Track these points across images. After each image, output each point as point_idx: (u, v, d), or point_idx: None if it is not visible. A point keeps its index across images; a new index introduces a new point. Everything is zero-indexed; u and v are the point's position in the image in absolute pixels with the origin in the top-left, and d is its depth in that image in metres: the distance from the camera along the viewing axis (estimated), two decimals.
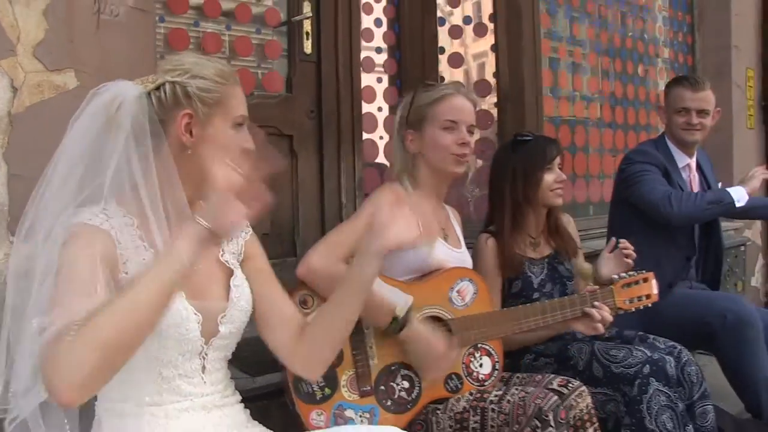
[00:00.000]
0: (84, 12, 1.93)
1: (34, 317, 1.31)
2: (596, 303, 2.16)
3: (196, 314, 1.46)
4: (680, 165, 3.06)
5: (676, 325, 2.80)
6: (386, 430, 1.46)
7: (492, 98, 3.52)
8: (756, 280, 4.90)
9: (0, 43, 1.82)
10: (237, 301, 1.55)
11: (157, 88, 1.44)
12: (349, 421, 1.81)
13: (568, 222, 2.70)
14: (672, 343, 2.42)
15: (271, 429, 1.60)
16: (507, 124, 3.43)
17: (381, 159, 3.35)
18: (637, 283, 2.29)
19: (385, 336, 1.87)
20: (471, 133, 2.15)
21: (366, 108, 3.27)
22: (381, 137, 3.36)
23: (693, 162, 3.10)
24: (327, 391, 1.83)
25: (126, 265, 1.40)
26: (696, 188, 3.07)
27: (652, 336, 2.49)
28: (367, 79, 3.31)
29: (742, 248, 4.30)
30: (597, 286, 2.25)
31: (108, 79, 1.51)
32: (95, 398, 1.46)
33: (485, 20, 3.53)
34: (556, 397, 1.85)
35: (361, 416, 1.83)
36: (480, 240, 2.49)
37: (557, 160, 2.53)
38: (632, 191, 2.93)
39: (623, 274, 2.31)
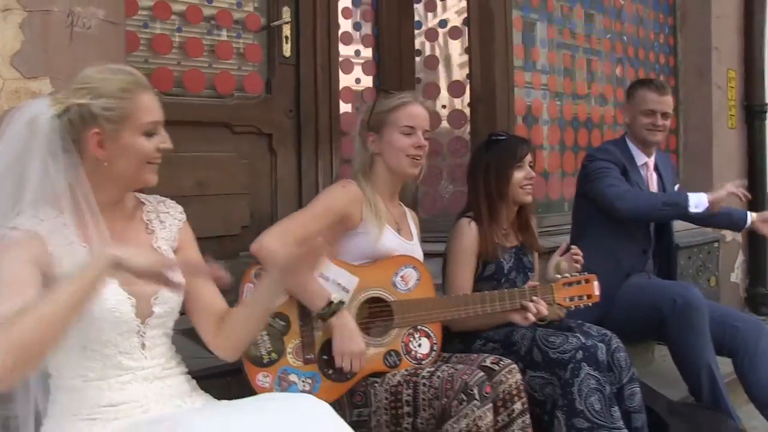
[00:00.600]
0: (58, 25, 2.13)
1: None
2: (534, 297, 2.36)
3: (129, 298, 1.66)
4: (639, 163, 3.23)
5: (631, 312, 3.01)
6: (304, 399, 1.65)
7: (465, 99, 3.69)
8: (736, 276, 5.02)
9: None
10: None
11: (67, 110, 1.61)
12: (291, 384, 2.03)
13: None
14: (605, 331, 2.60)
15: None
16: (479, 123, 3.60)
17: None
18: (579, 283, 2.48)
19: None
20: (425, 138, 2.37)
21: (344, 108, 3.47)
22: None
23: (651, 161, 3.26)
24: (273, 356, 2.06)
25: (61, 261, 1.59)
26: (653, 187, 3.24)
27: (588, 324, 2.67)
28: (345, 80, 3.51)
29: (716, 244, 4.44)
30: (538, 283, 2.44)
31: None
32: (48, 373, 1.67)
33: (459, 24, 3.70)
34: (482, 374, 2.05)
35: (303, 381, 2.06)
36: (462, 222, 2.72)
37: (528, 158, 2.74)
38: (592, 186, 3.11)
39: (566, 274, 2.50)
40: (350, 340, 2.08)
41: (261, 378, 2.02)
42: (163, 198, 1.92)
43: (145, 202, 1.85)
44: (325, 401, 1.93)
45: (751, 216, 3.25)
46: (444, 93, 3.78)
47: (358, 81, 3.59)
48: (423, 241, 2.65)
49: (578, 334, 2.50)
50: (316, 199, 2.29)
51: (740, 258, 5.06)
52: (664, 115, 3.17)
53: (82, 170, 1.63)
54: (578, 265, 2.63)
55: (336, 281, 2.13)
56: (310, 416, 1.56)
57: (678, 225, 4.41)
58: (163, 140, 1.73)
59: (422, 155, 2.35)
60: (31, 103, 1.68)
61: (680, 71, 5.05)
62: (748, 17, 5.00)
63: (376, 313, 2.22)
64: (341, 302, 2.09)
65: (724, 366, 3.04)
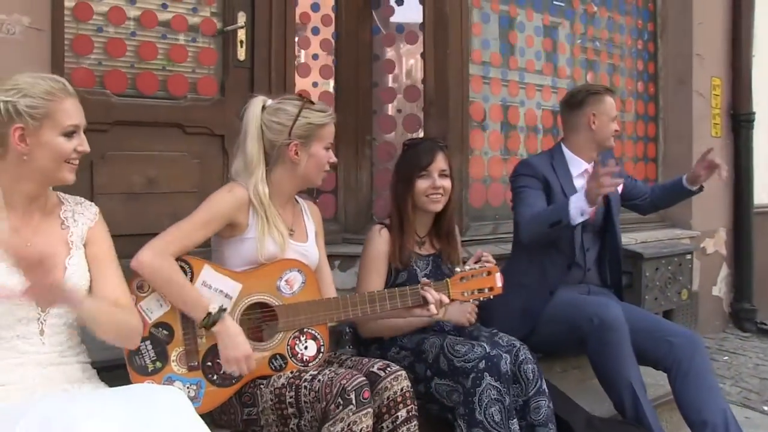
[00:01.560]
0: None
1: None
2: (426, 287, 2.40)
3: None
4: (576, 173, 3.22)
5: (555, 327, 3.04)
6: (166, 391, 1.80)
7: (420, 103, 3.78)
8: (719, 290, 5.02)
9: None
10: (70, 277, 1.94)
11: None
12: None
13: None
14: (513, 341, 2.64)
15: None
16: (432, 128, 3.67)
17: None
18: (479, 275, 2.47)
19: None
20: None
21: None
22: None
23: (590, 167, 3.27)
24: (158, 364, 2.17)
25: None
26: None
27: (500, 333, 2.72)
28: (302, 83, 3.62)
29: (689, 256, 4.43)
30: (429, 280, 2.47)
31: None
32: None
33: (416, 29, 3.79)
34: (361, 378, 2.12)
35: (188, 387, 2.17)
36: (373, 229, 2.81)
37: (437, 165, 2.77)
38: (513, 207, 3.18)
39: (465, 267, 2.51)
40: (234, 347, 2.18)
41: None
42: (82, 199, 2.12)
43: (64, 202, 2.05)
44: (211, 405, 2.16)
45: (685, 178, 3.31)
46: (399, 97, 3.87)
47: (315, 84, 3.70)
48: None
49: (484, 344, 2.55)
50: (203, 204, 2.32)
51: (724, 271, 5.06)
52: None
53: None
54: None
55: (219, 289, 2.23)
56: (163, 401, 1.73)
57: (645, 236, 4.49)
58: (81, 143, 1.93)
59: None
60: None
61: (660, 78, 5.03)
62: (735, 23, 4.97)
63: (261, 318, 2.31)
64: (222, 309, 2.18)
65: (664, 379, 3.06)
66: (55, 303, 1.84)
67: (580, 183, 3.21)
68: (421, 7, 3.72)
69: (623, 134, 4.87)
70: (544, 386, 2.59)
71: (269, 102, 2.44)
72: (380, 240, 2.76)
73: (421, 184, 2.77)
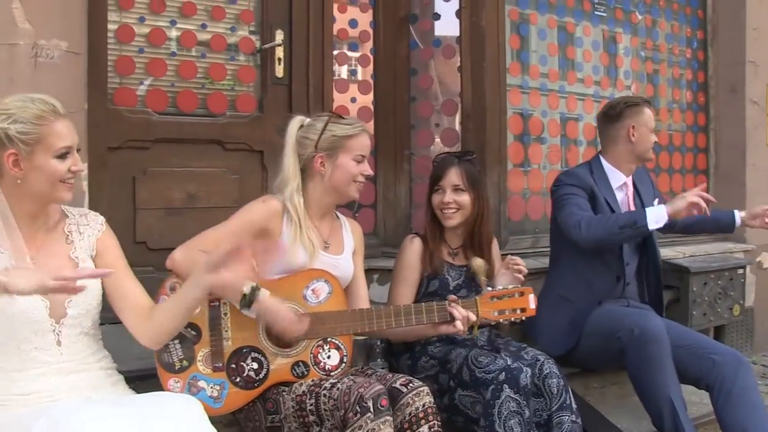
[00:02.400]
0: (23, 56, 2.46)
1: None
2: (458, 309, 2.43)
3: (43, 300, 1.94)
4: (616, 185, 3.22)
5: (596, 339, 3.03)
6: (179, 399, 1.87)
7: (458, 117, 3.81)
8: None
9: None
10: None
11: None
12: (200, 390, 2.23)
13: (493, 242, 3.01)
14: (538, 355, 2.64)
15: None
16: (469, 142, 3.70)
17: None
18: (510, 296, 2.51)
19: (241, 317, 2.28)
20: None
21: None
22: None
23: (630, 180, 3.26)
24: (185, 363, 2.26)
25: None
26: (631, 206, 3.23)
27: (528, 348, 2.72)
28: (340, 99, 3.71)
29: (741, 271, 4.30)
30: (457, 297, 2.50)
31: None
32: None
33: (453, 43, 3.83)
34: (379, 387, 2.16)
35: (211, 387, 2.25)
36: (406, 239, 2.92)
37: (449, 181, 2.84)
38: (557, 214, 3.16)
39: (499, 287, 2.56)
40: (279, 318, 2.25)
41: (172, 383, 2.23)
42: (87, 211, 2.20)
43: (68, 215, 2.13)
44: (233, 406, 2.23)
45: (740, 215, 3.24)
46: (437, 111, 3.91)
47: (353, 100, 3.77)
48: None
49: (507, 356, 2.57)
50: (237, 212, 2.44)
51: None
52: None
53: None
54: (520, 276, 2.67)
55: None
56: (172, 409, 1.81)
57: (694, 249, 4.40)
58: (75, 163, 1.99)
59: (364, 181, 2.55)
60: None
61: (711, 87, 4.95)
62: None
63: None
64: (256, 288, 2.22)
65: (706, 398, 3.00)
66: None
67: (620, 196, 3.22)
68: (457, 21, 3.76)
69: (671, 145, 4.81)
70: (570, 401, 2.58)
71: (307, 121, 2.58)
72: (411, 249, 2.84)
73: (435, 199, 2.87)
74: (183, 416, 1.79)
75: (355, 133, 2.52)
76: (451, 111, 3.85)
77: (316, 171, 2.50)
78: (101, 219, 2.18)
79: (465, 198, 2.82)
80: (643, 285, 3.33)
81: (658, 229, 3.26)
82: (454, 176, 2.83)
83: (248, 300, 2.22)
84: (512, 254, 3.53)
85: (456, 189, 2.82)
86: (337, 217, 2.66)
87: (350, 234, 2.66)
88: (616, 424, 2.88)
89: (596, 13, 4.44)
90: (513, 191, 3.98)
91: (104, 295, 2.11)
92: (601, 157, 3.27)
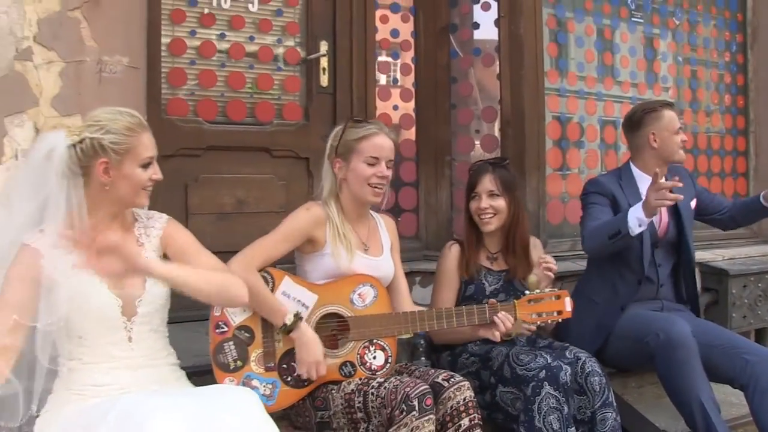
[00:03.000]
0: (89, 72, 2.63)
1: None
2: (501, 314, 2.56)
3: (116, 299, 2.10)
4: (644, 188, 3.25)
5: (625, 342, 3.09)
6: (238, 390, 2.03)
7: (497, 124, 3.92)
8: None
9: (27, 97, 2.55)
10: (150, 289, 2.16)
11: (81, 141, 2.05)
12: (254, 389, 2.36)
13: (535, 245, 3.10)
14: (579, 353, 2.74)
15: None
16: (509, 148, 3.82)
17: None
18: (545, 299, 2.63)
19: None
20: (389, 168, 2.59)
21: None
22: None
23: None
24: (239, 363, 2.41)
25: (55, 267, 2.02)
26: (665, 210, 3.26)
27: (570, 347, 2.81)
28: (382, 107, 3.85)
29: None
30: (496, 301, 2.64)
31: None
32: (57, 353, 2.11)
33: (492, 51, 3.95)
34: (424, 387, 2.29)
35: (264, 386, 2.40)
36: (445, 246, 3.04)
37: (483, 187, 2.94)
38: (580, 222, 3.26)
39: (536, 290, 2.67)
40: (307, 352, 2.39)
41: (227, 382, 2.37)
42: (152, 213, 2.33)
43: (138, 219, 2.28)
44: (285, 404, 2.40)
45: (763, 196, 3.25)
46: (477, 117, 4.02)
47: (395, 107, 3.91)
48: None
49: (547, 354, 2.68)
50: (284, 221, 2.54)
51: None
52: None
53: (82, 191, 2.08)
54: (551, 273, 2.75)
55: (296, 298, 2.45)
56: (233, 401, 1.97)
57: (733, 252, 4.44)
58: (156, 172, 2.17)
59: (384, 184, 2.58)
60: (48, 135, 2.14)
61: (750, 90, 5.00)
62: None
63: (335, 328, 2.51)
64: (299, 318, 2.39)
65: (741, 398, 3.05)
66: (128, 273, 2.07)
67: None
68: (496, 29, 3.88)
69: (709, 149, 4.87)
70: (612, 399, 2.67)
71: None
72: (450, 255, 2.97)
73: (472, 205, 2.98)
74: (245, 407, 1.94)
75: (366, 135, 2.56)
76: (491, 117, 3.97)
77: (338, 176, 2.60)
78: (165, 216, 2.32)
79: (500, 203, 2.93)
80: (679, 286, 3.37)
81: (717, 224, 3.37)
82: (488, 182, 2.93)
83: (288, 328, 2.40)
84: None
85: (491, 194, 2.92)
86: (373, 216, 2.75)
87: (386, 231, 2.75)
88: (655, 423, 2.94)
89: (633, 19, 4.52)
90: (552, 195, 4.09)
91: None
92: (631, 163, 3.33)
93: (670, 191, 2.78)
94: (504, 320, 2.56)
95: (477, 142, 4.01)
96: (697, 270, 3.80)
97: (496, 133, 3.95)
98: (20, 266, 2.03)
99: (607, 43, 4.46)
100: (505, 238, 3.01)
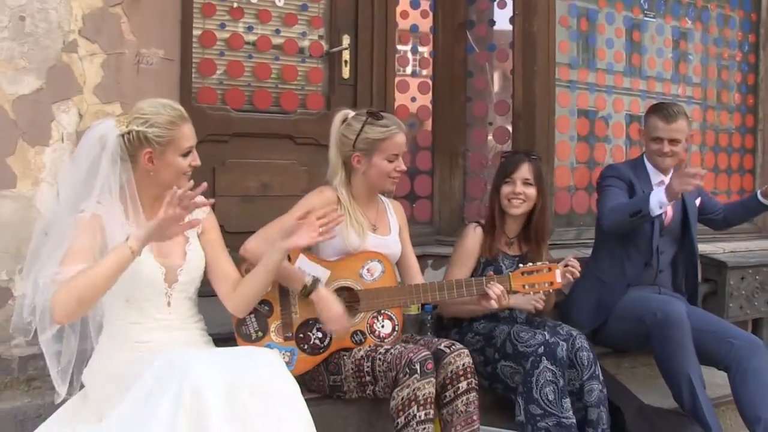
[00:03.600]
0: (128, 63, 2.90)
1: (50, 268, 2.27)
2: (491, 283, 2.81)
3: (160, 268, 2.39)
4: (655, 181, 3.53)
5: (623, 322, 3.37)
6: (264, 351, 2.32)
7: (509, 116, 4.15)
8: None
9: (73, 86, 2.81)
10: (190, 261, 2.47)
11: (128, 133, 2.33)
12: None
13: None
14: (571, 331, 3.01)
15: None
16: (519, 140, 4.05)
17: (409, 168, 4.11)
18: (539, 271, 2.87)
19: (302, 299, 2.70)
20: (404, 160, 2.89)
21: None
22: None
23: (667, 179, 3.55)
24: (260, 333, 2.69)
25: (113, 233, 2.31)
26: (670, 206, 3.51)
27: (563, 324, 3.09)
28: (401, 99, 4.08)
29: None
30: (494, 274, 2.92)
31: None
32: (103, 313, 2.41)
33: (507, 47, 4.18)
34: (426, 352, 2.55)
35: (283, 354, 2.66)
36: (469, 227, 3.30)
37: (521, 173, 3.19)
38: (597, 203, 3.51)
39: (530, 264, 2.92)
40: (329, 308, 2.64)
41: None
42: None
43: None
44: (302, 370, 2.69)
45: (761, 192, 3.52)
46: (491, 111, 4.26)
47: (413, 99, 4.14)
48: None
49: (545, 332, 2.95)
50: (298, 203, 2.82)
51: None
52: (672, 141, 3.46)
53: (132, 175, 2.38)
54: (570, 276, 2.93)
55: (311, 273, 2.70)
56: (260, 358, 2.24)
57: (735, 246, 4.68)
58: (194, 159, 2.45)
59: (400, 176, 2.90)
60: (100, 123, 2.43)
61: (761, 89, 5.17)
62: None
63: (346, 300, 2.77)
64: (316, 281, 2.65)
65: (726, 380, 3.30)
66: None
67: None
68: (511, 27, 4.10)
69: (717, 146, 5.09)
70: (598, 372, 2.94)
71: (350, 115, 2.91)
72: (474, 236, 3.22)
73: (505, 189, 3.21)
74: (270, 363, 2.22)
75: (389, 136, 2.82)
76: (504, 111, 4.20)
77: (355, 167, 2.86)
78: (208, 209, 2.60)
79: (532, 191, 3.19)
80: (677, 275, 3.63)
81: (711, 225, 3.65)
82: (525, 171, 3.19)
83: (308, 291, 2.65)
84: (556, 244, 3.91)
85: (526, 182, 3.18)
86: (381, 200, 3.02)
87: (394, 215, 3.02)
88: (643, 400, 3.19)
89: (646, 18, 4.72)
90: (560, 186, 4.32)
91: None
92: (644, 157, 3.62)
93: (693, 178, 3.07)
94: (496, 289, 2.80)
95: (490, 134, 4.24)
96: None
97: (509, 126, 4.18)
98: (85, 226, 2.30)
99: (619, 42, 4.66)
100: (525, 225, 3.27)
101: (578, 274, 2.96)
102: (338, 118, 2.92)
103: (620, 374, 3.51)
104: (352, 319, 2.73)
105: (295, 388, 2.24)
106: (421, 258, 3.45)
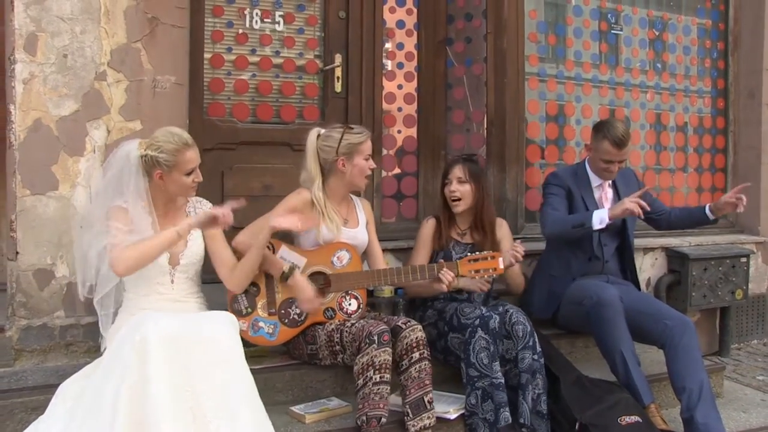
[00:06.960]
0: (147, 87, 3.75)
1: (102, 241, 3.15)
2: (443, 270, 3.54)
3: (166, 253, 3.21)
4: (594, 184, 4.24)
5: (570, 307, 4.09)
6: (222, 314, 3.13)
7: (484, 124, 4.88)
8: None
9: (102, 108, 3.68)
10: (190, 247, 3.30)
11: (146, 155, 3.17)
12: (260, 328, 3.47)
13: (500, 225, 4.12)
14: (509, 308, 3.65)
15: None
16: (493, 145, 4.81)
17: (397, 171, 4.89)
18: (484, 259, 3.58)
19: (283, 283, 3.50)
20: None
21: (385, 131, 4.79)
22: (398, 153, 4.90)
23: (606, 183, 4.26)
24: (249, 309, 3.51)
25: (138, 220, 3.16)
26: (607, 203, 4.21)
27: (504, 303, 3.78)
28: (388, 109, 4.82)
29: (743, 259, 5.13)
30: (443, 261, 3.67)
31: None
32: (124, 288, 3.27)
33: (481, 62, 4.91)
34: (383, 326, 3.30)
35: (268, 326, 3.48)
36: (425, 220, 4.09)
37: (454, 174, 3.94)
38: (540, 208, 4.25)
39: (477, 253, 3.65)
40: (303, 292, 3.44)
41: (240, 324, 3.36)
42: (200, 199, 3.47)
43: (189, 201, 3.41)
44: (284, 339, 3.50)
45: (709, 207, 4.14)
46: (467, 119, 4.98)
47: (400, 109, 4.87)
48: None
49: (483, 307, 3.70)
50: (280, 203, 3.62)
51: None
52: (620, 162, 4.15)
53: (147, 186, 3.23)
54: (512, 259, 3.70)
55: (290, 261, 3.52)
56: (216, 320, 3.02)
57: (702, 240, 5.33)
58: (197, 176, 3.28)
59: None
60: (127, 142, 3.27)
61: (730, 92, 5.80)
62: None
63: (320, 283, 3.55)
64: (293, 268, 3.46)
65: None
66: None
67: (597, 194, 4.25)
68: (484, 44, 4.83)
69: (688, 147, 5.75)
70: (533, 343, 3.54)
71: (322, 131, 3.70)
72: (426, 227, 4.04)
73: (446, 190, 4.02)
74: (219, 321, 2.99)
75: (364, 140, 3.65)
76: (479, 119, 4.94)
77: (339, 170, 3.64)
78: (209, 204, 3.45)
79: (467, 188, 3.94)
80: (623, 264, 4.33)
81: (653, 224, 4.33)
82: (458, 171, 3.96)
83: (286, 276, 3.46)
84: (527, 238, 4.61)
85: (460, 181, 3.94)
86: (352, 199, 3.82)
87: (362, 210, 3.83)
88: (590, 374, 3.80)
89: (613, 32, 5.42)
90: (530, 186, 5.04)
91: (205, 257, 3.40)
92: (586, 163, 4.30)
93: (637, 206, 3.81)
94: (446, 275, 3.54)
95: (467, 140, 4.98)
96: (656, 253, 4.83)
97: (484, 132, 4.90)
98: (117, 213, 3.14)
99: (587, 54, 5.36)
100: (473, 218, 4.01)
101: (521, 258, 3.69)
102: (313, 134, 3.72)
103: (575, 352, 4.22)
104: (324, 298, 3.52)
105: (236, 340, 2.94)
106: (407, 250, 4.25)
